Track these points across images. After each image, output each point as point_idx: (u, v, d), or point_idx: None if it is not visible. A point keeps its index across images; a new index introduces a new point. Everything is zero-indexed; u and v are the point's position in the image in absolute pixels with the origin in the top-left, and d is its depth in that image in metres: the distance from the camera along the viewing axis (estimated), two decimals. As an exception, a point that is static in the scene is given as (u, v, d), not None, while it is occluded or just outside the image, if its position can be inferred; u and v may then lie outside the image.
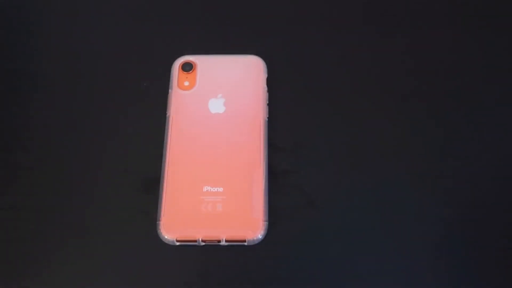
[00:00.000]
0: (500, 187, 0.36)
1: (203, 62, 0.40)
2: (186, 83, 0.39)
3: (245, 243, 0.34)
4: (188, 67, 0.39)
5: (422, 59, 0.41)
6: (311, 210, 0.36)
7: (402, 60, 0.41)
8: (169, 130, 0.37)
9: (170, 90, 0.39)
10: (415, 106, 0.39)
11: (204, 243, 0.34)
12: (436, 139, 0.38)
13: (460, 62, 0.41)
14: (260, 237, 0.34)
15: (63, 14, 0.44)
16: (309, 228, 0.35)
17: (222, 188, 0.35)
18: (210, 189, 0.35)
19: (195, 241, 0.34)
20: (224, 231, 0.34)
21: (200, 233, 0.34)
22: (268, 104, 0.38)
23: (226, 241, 0.34)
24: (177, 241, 0.34)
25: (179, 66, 0.39)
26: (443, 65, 0.40)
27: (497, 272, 0.34)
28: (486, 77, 0.40)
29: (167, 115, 0.38)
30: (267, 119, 0.38)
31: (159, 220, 0.34)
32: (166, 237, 0.34)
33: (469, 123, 0.38)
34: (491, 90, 0.40)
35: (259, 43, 0.41)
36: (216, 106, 0.38)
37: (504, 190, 0.36)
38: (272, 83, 0.39)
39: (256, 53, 0.40)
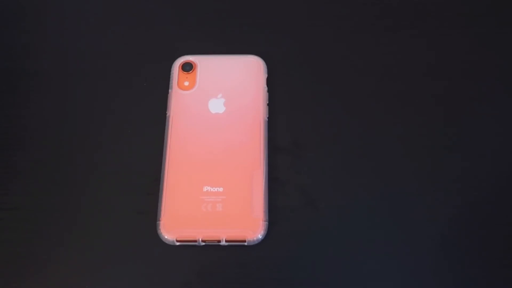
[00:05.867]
0: (505, 188, 0.36)
1: (203, 62, 0.40)
2: (186, 83, 0.39)
3: (245, 243, 0.34)
4: (188, 67, 0.39)
5: (421, 60, 0.41)
6: (311, 210, 0.36)
7: (403, 60, 0.41)
8: (169, 130, 0.37)
9: (170, 90, 0.39)
10: (416, 105, 0.39)
11: (204, 243, 0.34)
12: (438, 139, 0.38)
13: (466, 62, 0.41)
14: (260, 237, 0.34)
15: (63, 13, 0.44)
16: (309, 228, 0.35)
17: (222, 188, 0.35)
18: (210, 189, 0.35)
19: (195, 241, 0.34)
20: (224, 231, 0.34)
21: (200, 233, 0.34)
22: (268, 104, 0.38)
23: (226, 241, 0.34)
24: (177, 241, 0.34)
25: (179, 66, 0.39)
26: (448, 66, 0.40)
27: (501, 273, 0.34)
28: (495, 78, 0.40)
29: (167, 115, 0.38)
30: (267, 119, 0.38)
31: (159, 220, 0.34)
32: (166, 237, 0.34)
33: (476, 123, 0.38)
34: (499, 91, 0.39)
35: (259, 43, 0.42)
36: (216, 106, 0.38)
37: (508, 191, 0.36)
38: (272, 83, 0.39)
39: (256, 53, 0.40)
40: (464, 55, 0.41)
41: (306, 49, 0.41)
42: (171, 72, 0.39)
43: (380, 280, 0.34)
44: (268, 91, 0.39)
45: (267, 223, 0.34)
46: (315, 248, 0.35)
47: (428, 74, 0.40)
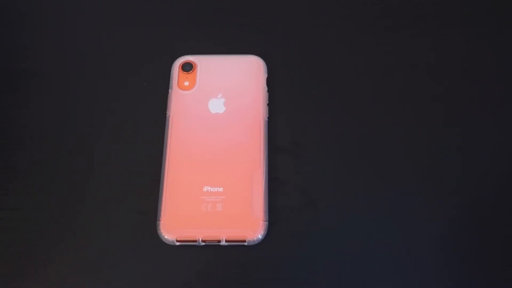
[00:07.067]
0: (505, 188, 0.36)
1: (203, 62, 0.40)
2: (186, 83, 0.39)
3: (245, 243, 0.34)
4: (188, 67, 0.39)
5: (421, 60, 0.41)
6: (311, 210, 0.36)
7: (403, 60, 0.41)
8: (169, 130, 0.37)
9: (170, 90, 0.39)
10: (416, 105, 0.39)
11: (204, 243, 0.34)
12: (438, 139, 0.38)
13: (466, 62, 0.41)
14: (260, 237, 0.34)
15: (63, 14, 0.44)
16: (309, 228, 0.35)
17: (222, 188, 0.35)
18: (210, 189, 0.35)
19: (195, 241, 0.34)
20: (224, 231, 0.34)
21: (200, 233, 0.34)
22: (268, 104, 0.38)
23: (226, 241, 0.34)
24: (177, 241, 0.34)
25: (179, 66, 0.39)
26: (448, 66, 0.40)
27: (501, 273, 0.34)
28: (495, 78, 0.40)
29: (167, 115, 0.38)
30: (267, 119, 0.38)
31: (159, 220, 0.34)
32: (166, 237, 0.34)
33: (476, 123, 0.38)
34: (499, 91, 0.39)
35: (259, 43, 0.41)
36: (216, 106, 0.38)
37: (508, 191, 0.36)
38: (272, 83, 0.39)
39: (256, 53, 0.40)
40: (464, 55, 0.41)
41: (306, 49, 0.41)
42: (171, 72, 0.39)
43: (380, 280, 0.34)
44: (268, 91, 0.39)
45: (267, 223, 0.34)
46: (315, 248, 0.35)
47: (428, 74, 0.40)
